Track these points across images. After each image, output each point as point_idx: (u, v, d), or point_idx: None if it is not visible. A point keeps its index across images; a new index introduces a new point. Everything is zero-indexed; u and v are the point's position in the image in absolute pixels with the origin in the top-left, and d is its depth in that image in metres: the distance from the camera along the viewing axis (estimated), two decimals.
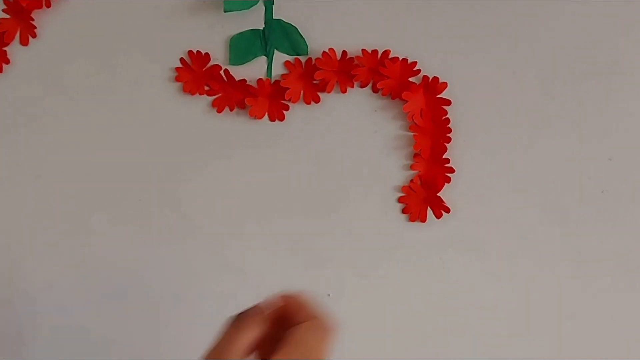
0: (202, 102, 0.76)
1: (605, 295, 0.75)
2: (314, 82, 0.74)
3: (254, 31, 0.74)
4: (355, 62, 0.73)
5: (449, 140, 0.74)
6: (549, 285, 0.75)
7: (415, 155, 0.74)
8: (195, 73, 0.75)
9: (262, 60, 0.75)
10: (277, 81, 0.75)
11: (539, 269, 0.75)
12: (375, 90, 0.74)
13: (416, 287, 0.76)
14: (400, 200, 0.75)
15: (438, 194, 0.74)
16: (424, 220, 0.74)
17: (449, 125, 0.73)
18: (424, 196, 0.74)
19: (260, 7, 0.74)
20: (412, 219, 0.74)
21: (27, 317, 0.78)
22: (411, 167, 0.74)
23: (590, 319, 0.75)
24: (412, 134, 0.74)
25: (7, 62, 0.76)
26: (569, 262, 0.75)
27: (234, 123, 0.76)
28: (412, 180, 0.74)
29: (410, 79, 0.73)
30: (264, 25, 0.74)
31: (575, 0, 0.72)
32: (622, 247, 0.74)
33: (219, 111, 0.75)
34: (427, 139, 0.74)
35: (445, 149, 0.74)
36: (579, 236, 0.74)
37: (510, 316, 0.75)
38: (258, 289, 0.76)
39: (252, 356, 0.47)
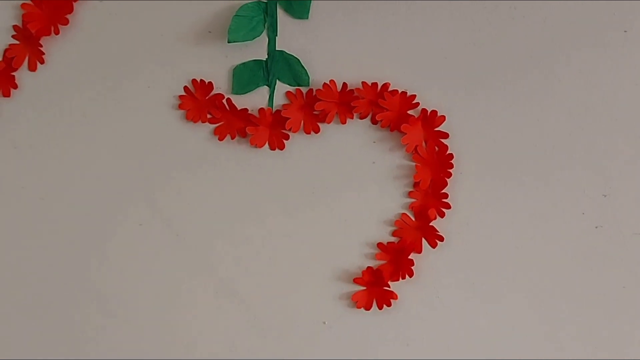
0: (204, 130, 0.77)
1: (599, 331, 0.75)
2: (315, 112, 0.75)
3: (256, 62, 0.76)
4: (355, 94, 0.75)
5: (449, 175, 0.74)
6: (543, 319, 0.75)
7: (415, 185, 0.75)
8: (198, 101, 0.76)
9: (264, 90, 0.76)
10: (278, 111, 0.76)
11: (532, 304, 0.75)
12: (374, 121, 0.75)
13: (410, 320, 0.76)
14: (394, 234, 0.76)
15: (431, 224, 0.75)
16: (419, 251, 0.75)
17: (451, 161, 0.74)
18: (416, 226, 0.75)
19: (263, 39, 0.75)
20: (407, 251, 0.75)
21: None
22: (409, 194, 0.75)
23: (584, 352, 0.75)
24: (413, 164, 0.75)
25: (15, 87, 0.77)
26: (562, 297, 0.75)
27: (234, 151, 0.77)
28: (403, 214, 0.75)
29: (409, 112, 0.74)
30: (266, 56, 0.76)
31: (572, 36, 0.73)
32: (616, 282, 0.74)
33: (221, 139, 0.77)
34: (427, 170, 0.75)
35: (446, 184, 0.74)
36: (573, 271, 0.75)
37: (505, 349, 0.76)
38: (251, 314, 0.77)
39: None
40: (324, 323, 0.77)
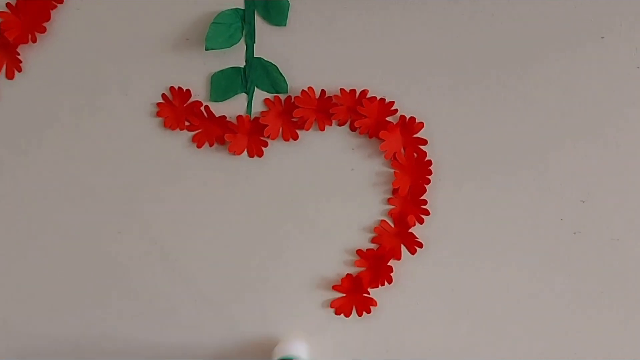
0: (182, 137, 0.77)
1: (577, 336, 0.75)
2: (293, 119, 0.75)
3: (234, 69, 0.76)
4: (334, 100, 0.75)
5: (428, 182, 0.75)
6: (522, 326, 0.75)
7: (394, 191, 0.75)
8: (176, 109, 0.76)
9: (242, 97, 0.76)
10: (256, 118, 0.76)
11: (511, 309, 0.75)
12: (353, 128, 0.75)
13: (390, 327, 0.76)
14: (373, 240, 0.76)
15: (410, 230, 0.75)
16: (398, 257, 0.75)
17: (430, 168, 0.74)
18: (396, 233, 0.75)
19: (241, 46, 0.75)
20: (386, 258, 0.75)
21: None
22: (388, 201, 0.75)
23: (563, 357, 0.75)
24: (392, 170, 0.75)
25: None
26: (542, 302, 0.75)
27: (213, 159, 0.77)
28: (382, 220, 0.75)
29: (388, 119, 0.75)
30: (244, 63, 0.76)
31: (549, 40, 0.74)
32: (594, 288, 0.75)
33: (199, 146, 0.76)
34: (406, 177, 0.75)
35: (425, 191, 0.75)
36: (551, 276, 0.75)
37: (485, 355, 0.76)
38: (231, 322, 0.77)
39: None
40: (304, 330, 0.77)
